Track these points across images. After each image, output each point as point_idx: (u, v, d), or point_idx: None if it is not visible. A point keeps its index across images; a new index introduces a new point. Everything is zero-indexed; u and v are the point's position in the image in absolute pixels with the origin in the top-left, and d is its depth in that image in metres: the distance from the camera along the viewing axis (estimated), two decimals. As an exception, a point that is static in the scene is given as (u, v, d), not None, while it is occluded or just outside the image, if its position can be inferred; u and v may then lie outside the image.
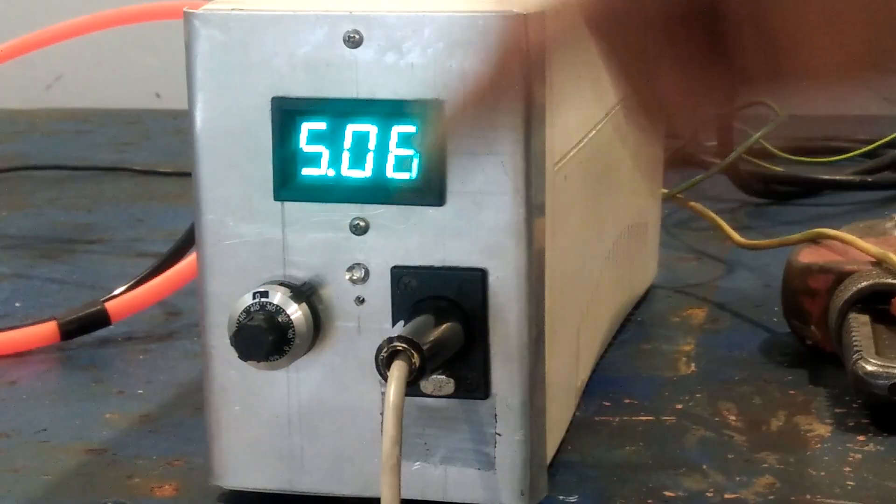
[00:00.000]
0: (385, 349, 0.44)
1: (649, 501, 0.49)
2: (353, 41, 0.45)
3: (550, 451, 0.49)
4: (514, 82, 0.44)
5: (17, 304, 0.72)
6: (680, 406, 0.58)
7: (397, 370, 0.43)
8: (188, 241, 0.69)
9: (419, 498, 0.47)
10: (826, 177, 0.91)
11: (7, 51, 0.89)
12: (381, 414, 0.43)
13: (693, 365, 0.62)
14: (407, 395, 0.43)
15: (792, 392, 0.59)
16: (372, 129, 0.46)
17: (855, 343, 0.57)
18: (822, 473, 0.51)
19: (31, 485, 0.51)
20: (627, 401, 0.58)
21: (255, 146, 0.47)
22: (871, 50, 0.36)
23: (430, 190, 0.46)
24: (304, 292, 0.47)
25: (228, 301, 0.47)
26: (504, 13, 0.45)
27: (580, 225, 0.53)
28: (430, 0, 0.48)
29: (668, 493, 0.50)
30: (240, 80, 0.46)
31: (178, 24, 0.47)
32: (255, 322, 0.46)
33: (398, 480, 0.42)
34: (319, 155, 0.46)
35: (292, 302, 0.46)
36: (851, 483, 0.50)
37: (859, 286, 0.59)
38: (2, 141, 1.12)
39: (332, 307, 0.47)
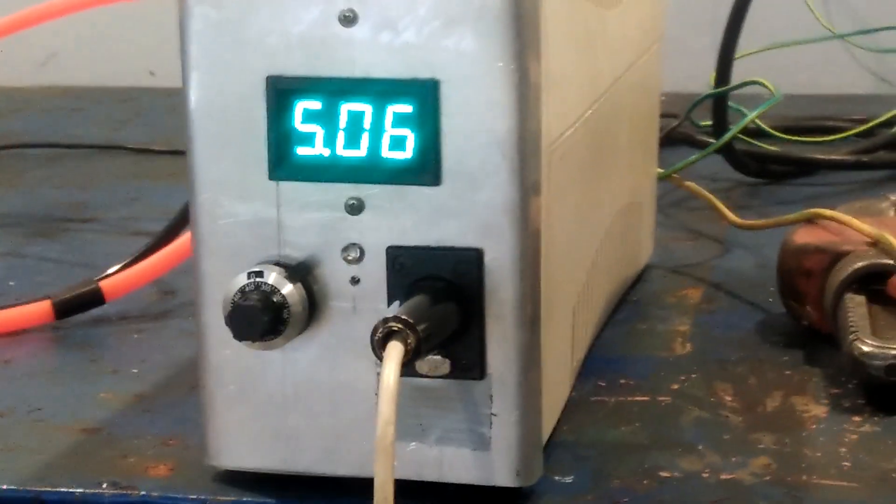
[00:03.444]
0: (380, 329, 0.44)
1: (645, 482, 0.49)
2: (348, 19, 0.45)
3: (546, 431, 0.49)
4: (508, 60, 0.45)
5: (10, 283, 0.72)
6: (676, 386, 0.58)
7: (393, 350, 0.43)
8: (182, 220, 0.69)
9: (414, 478, 0.47)
10: (821, 156, 0.91)
11: (3, 26, 0.88)
12: (376, 394, 0.43)
13: (689, 345, 0.63)
14: (402, 375, 0.43)
15: (788, 372, 0.59)
16: (367, 109, 0.46)
17: (851, 324, 0.57)
18: (818, 454, 0.51)
19: (26, 463, 0.52)
20: (623, 381, 0.58)
21: (250, 125, 0.47)
22: None
23: (425, 170, 0.46)
24: (299, 272, 0.47)
25: (223, 280, 0.47)
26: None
27: (576, 205, 0.53)
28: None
29: (663, 474, 0.50)
30: (234, 59, 0.46)
31: (173, 1, 0.47)
32: (250, 302, 0.46)
33: (392, 461, 0.42)
34: (314, 134, 0.46)
35: (287, 282, 0.46)
36: (847, 464, 0.50)
37: (855, 267, 0.60)
38: (-3, 119, 1.13)
39: (327, 287, 0.47)
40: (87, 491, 0.50)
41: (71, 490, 0.50)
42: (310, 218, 0.47)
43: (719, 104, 0.90)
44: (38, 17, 0.90)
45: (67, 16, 0.91)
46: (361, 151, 0.46)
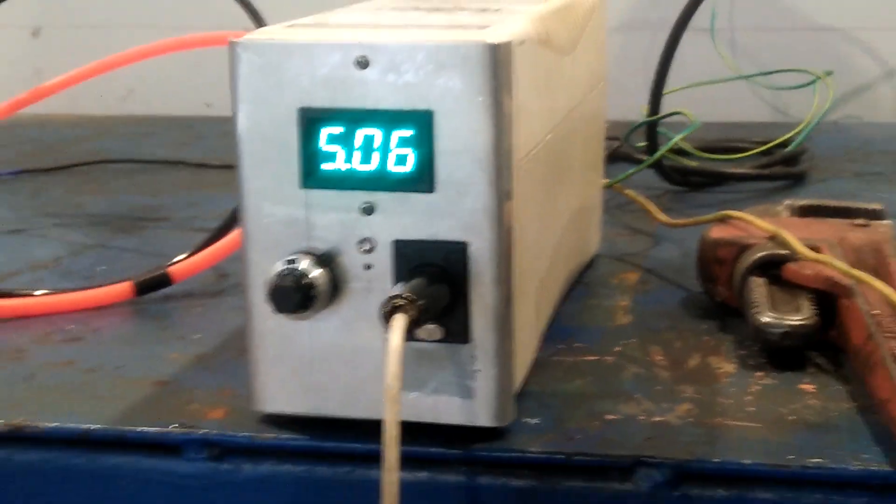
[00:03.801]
0: (388, 304, 0.44)
1: (594, 423, 0.49)
2: (362, 64, 0.45)
3: (517, 383, 0.50)
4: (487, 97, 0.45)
5: (100, 268, 0.72)
6: (618, 349, 0.58)
7: (398, 321, 0.44)
8: (233, 220, 0.69)
9: (415, 420, 0.47)
10: (731, 170, 0.91)
11: (93, 68, 0.89)
12: (385, 355, 0.43)
13: (628, 317, 0.63)
14: (405, 340, 0.43)
15: (705, 338, 0.59)
16: (377, 133, 0.46)
17: (754, 300, 0.57)
18: (729, 401, 0.52)
19: (112, 409, 0.52)
20: (577, 345, 0.58)
21: (285, 146, 0.47)
22: None
23: (422, 180, 0.46)
24: (324, 260, 0.47)
25: (265, 266, 0.47)
26: (480, 43, 0.45)
27: (539, 208, 0.53)
28: (422, 31, 0.48)
29: (608, 417, 0.50)
30: (273, 95, 0.46)
31: (225, 49, 0.47)
32: (286, 283, 0.46)
33: (398, 407, 0.43)
34: (336, 153, 0.46)
35: (315, 267, 0.46)
36: (751, 409, 0.51)
37: (757, 256, 0.60)
38: (87, 140, 1.12)
39: (346, 272, 0.47)
40: (160, 430, 0.50)
41: (147, 430, 0.50)
42: (332, 218, 0.47)
43: (651, 129, 0.90)
44: (121, 62, 0.90)
45: (142, 61, 0.91)
46: (373, 166, 0.46)
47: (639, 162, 0.88)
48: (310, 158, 0.46)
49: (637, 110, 0.92)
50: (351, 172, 0.46)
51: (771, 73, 1.11)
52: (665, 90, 0.92)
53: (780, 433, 0.48)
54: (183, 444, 0.49)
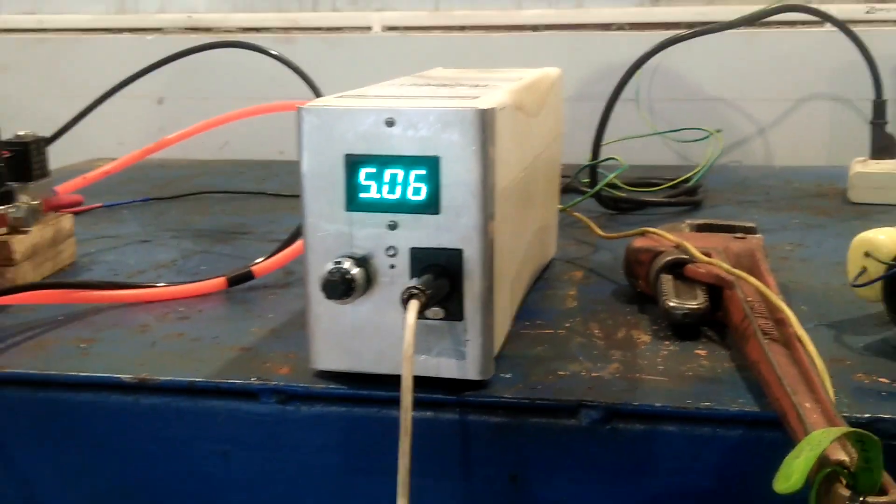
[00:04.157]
0: (406, 293, 0.44)
1: (550, 377, 0.50)
2: (390, 123, 0.45)
3: (496, 349, 0.50)
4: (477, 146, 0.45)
5: (203, 268, 0.73)
6: (567, 325, 0.58)
7: (413, 305, 0.44)
8: (297, 233, 0.69)
9: (422, 374, 0.47)
10: (649, 199, 0.91)
11: (199, 126, 0.89)
12: (403, 329, 0.44)
13: (575, 302, 0.63)
14: (417, 318, 0.44)
15: (629, 317, 0.59)
16: (400, 172, 0.46)
17: (664, 291, 0.57)
18: (645, 362, 0.52)
19: (210, 367, 0.52)
20: (539, 322, 0.58)
21: (335, 181, 0.47)
22: None
23: (431, 206, 0.46)
24: (361, 262, 0.47)
25: (319, 266, 0.47)
26: (473, 109, 0.45)
27: (513, 225, 0.53)
28: (432, 100, 0.48)
29: (560, 373, 0.50)
30: (326, 145, 0.46)
31: (293, 113, 0.47)
32: (334, 278, 0.46)
33: (412, 365, 0.43)
34: (370, 186, 0.46)
35: (355, 267, 0.46)
36: (661, 367, 0.51)
37: (666, 259, 0.60)
38: (195, 177, 1.12)
39: (377, 270, 0.47)
40: (244, 382, 0.50)
41: (235, 381, 0.50)
42: (367, 232, 0.47)
43: (592, 170, 0.90)
44: (219, 122, 0.91)
45: (234, 121, 0.91)
46: (396, 195, 0.46)
47: (583, 193, 0.88)
48: (352, 190, 0.46)
49: (583, 156, 0.92)
50: (381, 200, 0.46)
51: (677, 130, 1.11)
52: (603, 142, 0.92)
53: (681, 385, 0.48)
54: (260, 392, 0.49)
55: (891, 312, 0.53)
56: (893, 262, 0.52)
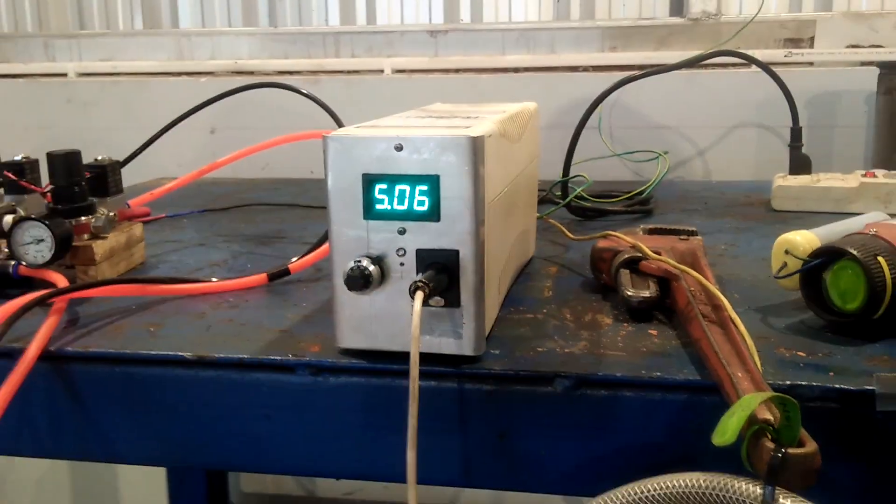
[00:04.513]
0: (413, 286, 0.44)
1: (531, 353, 0.49)
2: (399, 148, 0.45)
3: (487, 331, 0.50)
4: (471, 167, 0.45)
5: (248, 266, 0.72)
6: (545, 310, 0.58)
7: (419, 295, 0.44)
8: (325, 238, 0.69)
9: (426, 351, 0.47)
10: (610, 208, 0.91)
11: (244, 151, 0.89)
12: (411, 315, 0.43)
13: (551, 292, 0.62)
14: (423, 306, 0.44)
15: (595, 303, 0.59)
16: (407, 188, 0.46)
17: (622, 282, 0.57)
18: (608, 340, 0.51)
19: (255, 346, 0.52)
20: (522, 308, 0.58)
21: (355, 195, 0.46)
22: None
23: (433, 214, 0.46)
24: (377, 260, 0.47)
25: (343, 264, 0.47)
26: (466, 136, 0.45)
27: (500, 230, 0.53)
28: (433, 129, 0.48)
29: (539, 349, 0.50)
30: (347, 166, 0.46)
31: (321, 140, 0.47)
32: (355, 274, 0.46)
33: (418, 343, 0.43)
34: (383, 199, 0.46)
35: (371, 265, 0.46)
36: (621, 344, 0.51)
37: (624, 257, 0.60)
38: (242, 192, 1.12)
39: (389, 267, 0.47)
40: (282, 358, 0.50)
41: (275, 357, 0.50)
42: (381, 236, 0.47)
43: (564, 185, 0.90)
44: (260, 148, 0.90)
45: (273, 147, 0.91)
46: (404, 207, 0.46)
47: (557, 203, 0.88)
48: (368, 202, 0.46)
49: (556, 174, 0.92)
50: (392, 210, 0.46)
51: (632, 152, 1.11)
52: (572, 162, 0.92)
53: (637, 358, 0.48)
54: (295, 366, 0.49)
55: (806, 299, 0.53)
56: (808, 259, 0.52)
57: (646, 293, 0.55)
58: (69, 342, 0.53)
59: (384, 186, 0.46)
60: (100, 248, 0.67)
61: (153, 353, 0.51)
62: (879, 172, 0.89)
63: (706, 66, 1.10)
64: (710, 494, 0.38)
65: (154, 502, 1.40)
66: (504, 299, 0.58)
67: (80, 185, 0.67)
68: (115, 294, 0.62)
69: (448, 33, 1.26)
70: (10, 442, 0.52)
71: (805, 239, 0.54)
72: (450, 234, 0.46)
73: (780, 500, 0.37)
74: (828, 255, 0.51)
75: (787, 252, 0.54)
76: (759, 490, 0.37)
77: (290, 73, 1.27)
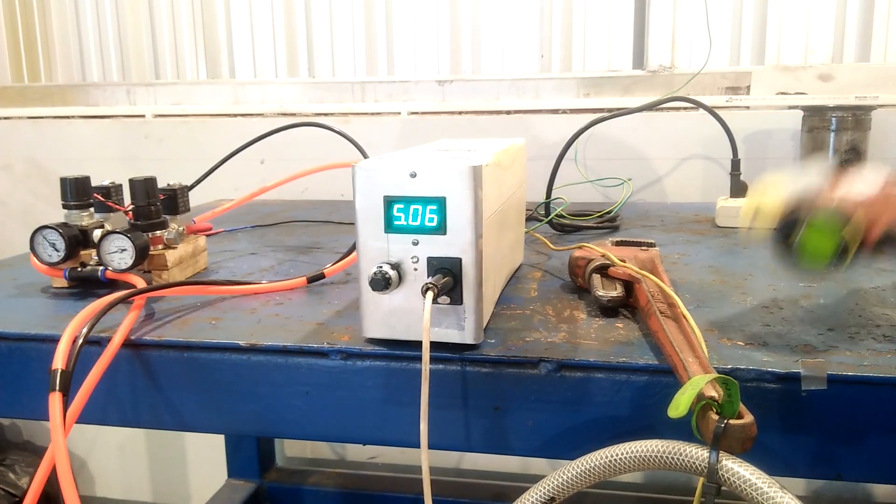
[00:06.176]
0: (425, 287, 0.44)
1: (520, 342, 0.49)
2: (413, 176, 0.46)
3: (484, 323, 0.49)
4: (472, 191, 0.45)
5: (291, 271, 0.72)
6: (531, 308, 0.58)
7: (429, 294, 0.44)
8: (353, 248, 0.69)
9: (436, 340, 0.47)
10: (584, 224, 0.91)
11: (287, 178, 0.88)
12: (424, 311, 0.43)
13: (536, 293, 0.62)
14: (433, 304, 0.44)
15: (572, 301, 0.59)
16: (420, 207, 0.46)
17: (594, 284, 0.57)
18: (583, 332, 0.51)
19: (296, 336, 0.52)
20: (513, 305, 0.58)
21: (378, 214, 0.47)
22: None
23: (440, 229, 0.46)
24: (395, 266, 0.47)
25: (368, 269, 0.47)
26: (468, 166, 0.45)
27: (495, 241, 0.53)
28: (441, 161, 0.48)
29: (527, 339, 0.50)
30: (372, 190, 0.46)
31: (350, 169, 0.47)
32: (377, 277, 0.46)
33: (429, 333, 0.43)
34: (400, 216, 0.46)
35: (391, 270, 0.46)
36: (594, 335, 0.51)
37: (596, 264, 0.60)
38: (285, 211, 1.12)
39: (406, 272, 0.47)
40: (319, 345, 0.50)
41: (312, 345, 0.50)
42: (399, 247, 0.47)
43: (547, 206, 0.90)
44: (300, 175, 0.90)
45: (310, 174, 0.91)
46: (418, 223, 0.46)
47: (541, 220, 0.88)
48: (389, 219, 0.47)
49: (540, 196, 0.93)
50: (407, 226, 0.46)
51: (602, 179, 1.11)
52: (553, 187, 0.92)
53: (607, 346, 0.48)
54: (329, 352, 0.49)
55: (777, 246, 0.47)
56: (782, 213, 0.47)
57: (613, 293, 0.55)
58: (146, 332, 0.53)
59: (401, 206, 0.46)
60: (171, 256, 0.67)
61: (214, 341, 0.51)
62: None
63: (662, 109, 1.11)
64: (667, 457, 0.38)
65: (214, 464, 1.40)
66: (498, 298, 0.58)
67: (155, 205, 0.68)
68: (183, 294, 0.62)
69: (453, 82, 1.27)
70: (98, 413, 0.53)
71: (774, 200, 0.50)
72: (454, 244, 0.46)
73: (723, 462, 0.37)
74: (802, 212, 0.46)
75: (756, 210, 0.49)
76: (705, 454, 0.38)
77: (325, 114, 1.28)
